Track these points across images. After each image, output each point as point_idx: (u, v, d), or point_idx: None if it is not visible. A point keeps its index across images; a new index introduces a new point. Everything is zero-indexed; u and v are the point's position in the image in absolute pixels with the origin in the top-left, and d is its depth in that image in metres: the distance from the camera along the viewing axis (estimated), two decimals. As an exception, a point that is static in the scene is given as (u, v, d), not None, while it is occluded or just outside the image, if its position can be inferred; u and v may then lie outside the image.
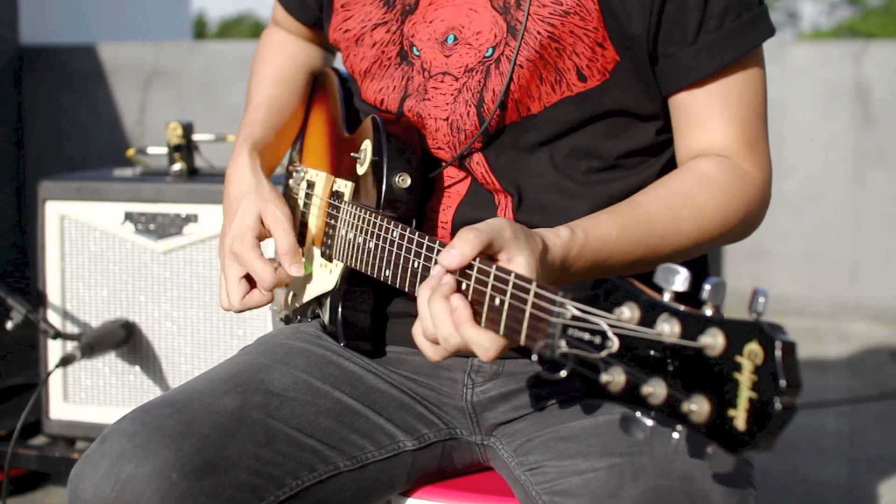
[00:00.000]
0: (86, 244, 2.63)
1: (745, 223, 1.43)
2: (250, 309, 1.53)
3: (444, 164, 1.48)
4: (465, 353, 1.20)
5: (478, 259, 1.18)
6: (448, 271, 1.19)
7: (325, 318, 1.56)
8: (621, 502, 1.22)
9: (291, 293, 1.68)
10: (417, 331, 1.22)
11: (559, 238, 1.26)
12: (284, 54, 1.77)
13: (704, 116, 1.41)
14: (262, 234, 1.53)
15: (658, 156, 1.49)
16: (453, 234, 1.48)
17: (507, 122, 1.44)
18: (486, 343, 1.15)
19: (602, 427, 1.35)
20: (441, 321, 1.18)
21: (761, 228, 1.52)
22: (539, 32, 1.40)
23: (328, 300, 1.55)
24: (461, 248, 1.17)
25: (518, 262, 1.18)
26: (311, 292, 1.60)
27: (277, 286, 1.51)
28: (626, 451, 1.28)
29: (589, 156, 1.45)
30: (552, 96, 1.42)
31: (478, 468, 1.58)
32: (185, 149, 2.65)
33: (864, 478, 3.15)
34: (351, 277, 1.50)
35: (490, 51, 1.43)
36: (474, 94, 1.44)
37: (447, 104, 1.46)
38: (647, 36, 1.39)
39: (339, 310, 1.51)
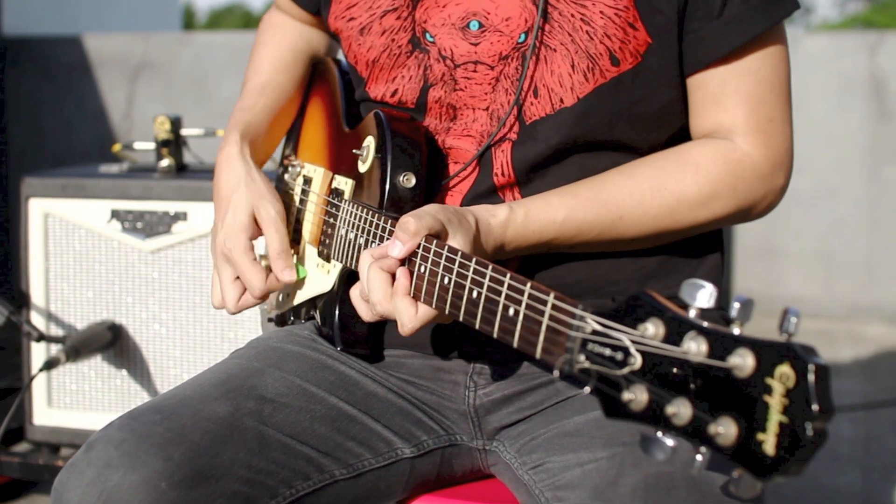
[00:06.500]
0: (71, 243, 2.61)
1: (741, 209, 1.43)
2: (246, 309, 1.54)
3: (456, 163, 1.46)
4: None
5: (490, 268, 1.18)
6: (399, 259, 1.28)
7: (321, 320, 1.53)
8: (621, 489, 1.23)
9: (285, 293, 1.65)
10: (356, 292, 1.32)
11: (495, 218, 1.33)
12: (286, 39, 1.76)
13: (718, 94, 1.42)
14: (255, 233, 1.53)
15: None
16: None
17: (542, 115, 1.42)
18: (404, 318, 1.25)
19: (606, 419, 1.30)
20: (375, 287, 1.26)
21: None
22: (573, 15, 1.40)
23: (324, 302, 1.52)
24: (403, 239, 1.26)
25: (456, 240, 1.26)
26: (306, 293, 1.58)
27: (269, 292, 1.51)
28: (630, 441, 1.28)
29: (615, 163, 1.44)
30: (586, 86, 1.40)
31: (478, 475, 1.57)
32: (174, 144, 2.64)
33: (879, 486, 3.15)
34: (349, 279, 1.47)
35: (523, 36, 1.42)
36: (513, 81, 1.43)
37: (486, 94, 1.45)
38: (677, 13, 1.39)
39: (337, 312, 1.49)
